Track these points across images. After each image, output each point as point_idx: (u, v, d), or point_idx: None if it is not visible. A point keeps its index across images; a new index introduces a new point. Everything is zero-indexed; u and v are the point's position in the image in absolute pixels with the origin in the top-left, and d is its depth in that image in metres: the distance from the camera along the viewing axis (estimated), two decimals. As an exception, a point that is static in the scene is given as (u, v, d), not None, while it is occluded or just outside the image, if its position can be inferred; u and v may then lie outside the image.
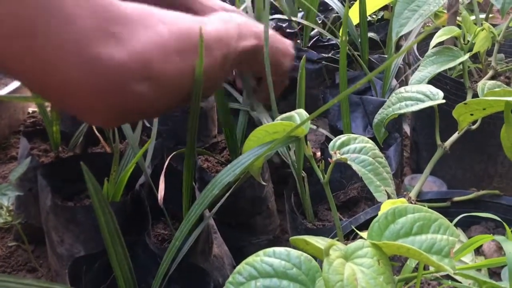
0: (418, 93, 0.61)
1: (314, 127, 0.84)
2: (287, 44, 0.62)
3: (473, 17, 0.86)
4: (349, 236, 0.55)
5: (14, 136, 1.23)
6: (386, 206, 0.42)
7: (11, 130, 1.24)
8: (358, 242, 0.33)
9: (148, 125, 0.89)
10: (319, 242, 0.38)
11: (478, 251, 0.54)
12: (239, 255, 0.73)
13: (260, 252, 0.36)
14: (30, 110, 1.34)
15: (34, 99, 0.67)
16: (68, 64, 0.36)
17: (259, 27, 0.56)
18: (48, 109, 0.81)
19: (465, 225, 0.58)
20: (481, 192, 0.58)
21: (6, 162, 1.15)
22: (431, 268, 0.40)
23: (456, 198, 0.59)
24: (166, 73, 0.42)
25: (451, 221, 0.51)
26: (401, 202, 0.41)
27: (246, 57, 0.54)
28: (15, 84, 1.16)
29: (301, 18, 1.31)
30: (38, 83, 0.38)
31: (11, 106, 1.21)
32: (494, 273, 0.51)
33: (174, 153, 0.73)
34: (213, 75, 0.49)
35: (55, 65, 0.36)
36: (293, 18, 1.11)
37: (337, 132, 0.88)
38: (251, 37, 0.55)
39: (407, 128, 1.13)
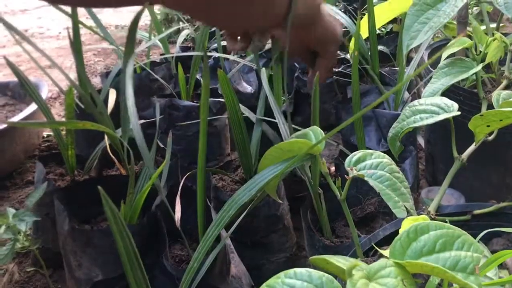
0: (432, 106, 0.61)
1: (334, 143, 0.84)
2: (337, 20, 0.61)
3: (483, 27, 0.85)
4: (369, 253, 0.55)
5: (30, 160, 1.24)
6: (407, 223, 0.42)
7: (27, 155, 1.25)
8: (381, 262, 0.33)
9: (162, 145, 0.89)
10: (340, 261, 0.38)
11: (501, 265, 0.53)
12: (257, 273, 0.73)
13: (281, 274, 0.35)
14: (45, 134, 1.35)
15: (49, 124, 0.67)
16: None
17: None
18: (63, 132, 0.82)
19: (487, 238, 0.57)
20: (502, 204, 0.58)
21: (23, 186, 1.16)
22: (455, 285, 0.39)
23: (476, 211, 0.58)
24: None
25: (472, 235, 0.50)
26: (423, 219, 0.41)
27: (305, 21, 0.54)
28: (31, 109, 1.17)
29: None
30: None
31: (26, 131, 1.23)
32: (519, 287, 0.50)
33: (188, 173, 0.74)
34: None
35: None
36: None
37: (351, 146, 0.87)
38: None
39: (421, 140, 1.13)
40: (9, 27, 0.66)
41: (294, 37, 0.55)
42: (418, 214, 0.55)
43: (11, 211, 0.75)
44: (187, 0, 0.45)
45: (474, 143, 0.60)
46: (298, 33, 0.57)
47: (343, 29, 1.26)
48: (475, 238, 0.54)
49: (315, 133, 0.54)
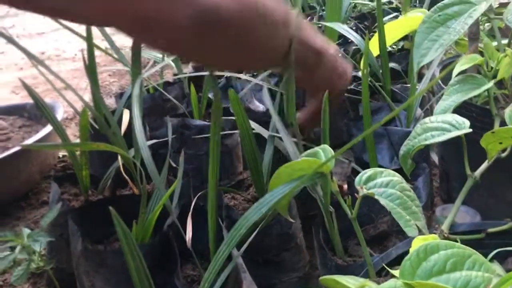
0: (443, 123, 0.61)
1: (346, 161, 0.83)
2: (347, 67, 0.62)
3: (495, 43, 0.85)
4: (381, 273, 0.54)
5: (45, 181, 1.26)
6: (417, 242, 0.42)
7: (42, 175, 1.27)
8: (390, 282, 0.33)
9: (174, 165, 0.90)
10: (350, 282, 0.38)
11: (517, 284, 0.52)
12: (270, 294, 0.72)
13: (290, 294, 0.35)
14: (61, 154, 1.37)
15: (63, 146, 0.68)
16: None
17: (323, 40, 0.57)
18: (78, 153, 0.83)
19: (502, 257, 0.56)
20: (516, 222, 0.57)
21: (38, 207, 1.17)
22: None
23: (491, 230, 0.57)
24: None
25: (486, 254, 0.49)
26: (433, 238, 0.40)
27: (306, 61, 0.55)
28: (46, 130, 1.19)
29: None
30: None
31: (42, 152, 1.25)
32: (536, 307, 0.49)
33: (200, 193, 0.74)
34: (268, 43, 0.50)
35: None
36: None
37: (363, 164, 0.87)
38: (319, 41, 0.56)
39: (435, 157, 1.12)
40: (24, 50, 0.68)
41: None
42: (431, 232, 0.54)
43: (26, 231, 0.76)
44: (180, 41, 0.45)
45: (487, 161, 0.60)
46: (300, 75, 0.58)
47: (354, 47, 1.26)
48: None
49: (325, 152, 0.54)
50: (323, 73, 0.58)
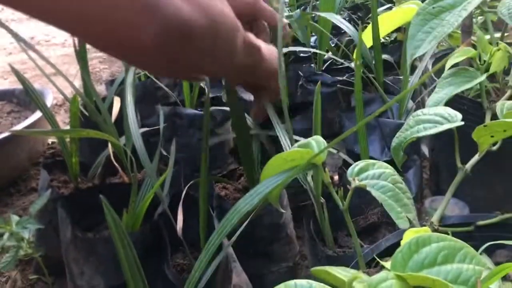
0: (436, 116, 0.61)
1: (335, 151, 0.83)
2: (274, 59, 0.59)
3: (488, 36, 0.85)
4: (371, 264, 0.54)
5: (34, 167, 1.25)
6: (409, 235, 0.42)
7: (31, 162, 1.25)
8: (382, 274, 0.33)
9: (165, 153, 0.89)
10: (341, 273, 0.38)
11: (505, 277, 0.53)
12: (259, 283, 0.73)
13: (281, 285, 0.35)
14: (50, 141, 1.36)
15: (53, 132, 0.68)
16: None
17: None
18: (67, 140, 0.82)
19: (490, 250, 0.57)
20: (506, 216, 0.57)
21: (27, 193, 1.16)
22: (458, 298, 0.39)
23: (480, 222, 0.58)
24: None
25: (476, 246, 0.50)
26: (425, 231, 0.40)
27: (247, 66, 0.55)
28: (36, 116, 1.18)
29: (314, 42, 1.32)
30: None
31: (31, 138, 1.23)
32: (523, 300, 0.50)
33: (191, 182, 0.73)
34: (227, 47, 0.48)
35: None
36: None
37: (354, 156, 0.87)
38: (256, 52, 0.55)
39: (425, 149, 1.12)
40: (14, 34, 0.67)
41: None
42: (421, 224, 0.55)
43: (14, 218, 0.76)
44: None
45: (478, 154, 0.60)
46: (242, 76, 0.58)
47: (348, 38, 1.26)
48: (478, 249, 0.54)
49: (317, 143, 0.54)
50: (268, 63, 0.57)
